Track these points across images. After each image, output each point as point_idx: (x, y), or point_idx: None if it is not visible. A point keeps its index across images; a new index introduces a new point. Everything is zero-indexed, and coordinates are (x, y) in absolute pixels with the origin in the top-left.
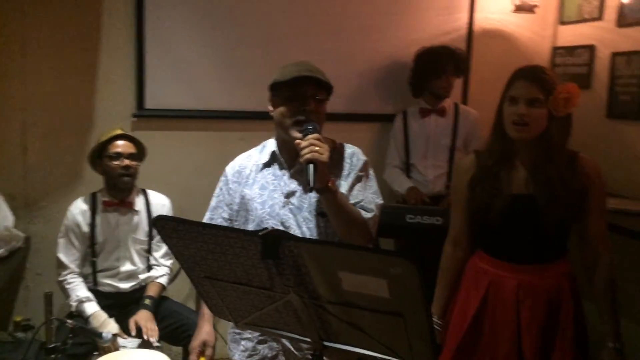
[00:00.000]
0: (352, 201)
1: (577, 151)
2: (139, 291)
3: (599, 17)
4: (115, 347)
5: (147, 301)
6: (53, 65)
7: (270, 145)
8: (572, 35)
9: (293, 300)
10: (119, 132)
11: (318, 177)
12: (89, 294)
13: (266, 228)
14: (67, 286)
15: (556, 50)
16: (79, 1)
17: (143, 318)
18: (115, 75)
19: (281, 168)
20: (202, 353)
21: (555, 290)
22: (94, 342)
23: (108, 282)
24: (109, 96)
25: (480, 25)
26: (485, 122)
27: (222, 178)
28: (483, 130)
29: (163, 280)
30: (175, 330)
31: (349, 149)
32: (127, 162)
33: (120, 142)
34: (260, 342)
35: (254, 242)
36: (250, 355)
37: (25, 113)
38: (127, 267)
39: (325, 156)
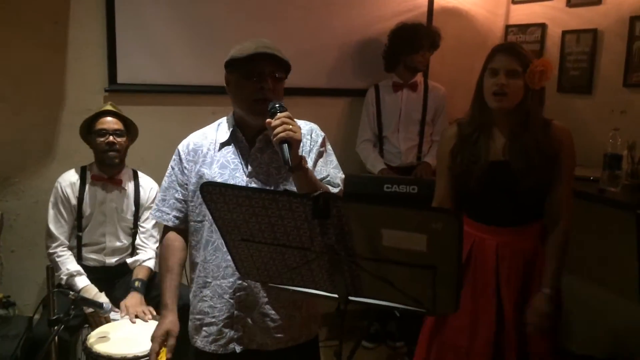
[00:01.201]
0: (318, 177)
1: (551, 119)
2: (125, 265)
3: None
4: (107, 320)
5: (137, 283)
6: (22, 39)
7: (225, 123)
8: (525, 14)
9: (331, 258)
10: (107, 108)
11: (293, 156)
12: (79, 268)
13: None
14: (57, 259)
15: (509, 28)
16: None
17: (134, 303)
18: (87, 49)
19: (242, 146)
20: (164, 343)
21: (532, 250)
22: (83, 314)
23: (93, 257)
24: (81, 70)
25: (439, 3)
26: (448, 96)
27: (175, 157)
28: (448, 104)
29: (151, 264)
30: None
31: (307, 125)
32: (111, 138)
33: (107, 119)
34: (225, 326)
35: (304, 204)
36: (215, 340)
37: None
38: (112, 243)
39: (298, 134)
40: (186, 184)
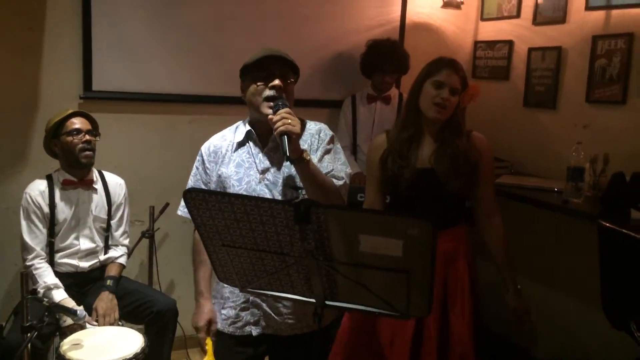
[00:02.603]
0: (323, 171)
1: (470, 130)
2: (98, 270)
3: (517, 15)
4: (81, 327)
5: (108, 282)
6: None
7: (243, 125)
8: (493, 31)
9: (309, 263)
10: (72, 110)
11: (292, 148)
12: (57, 281)
13: (297, 197)
14: (34, 272)
15: (478, 44)
16: None
17: (104, 300)
18: (62, 56)
19: (256, 146)
20: (208, 330)
21: (452, 251)
22: (57, 322)
23: (67, 262)
24: (55, 77)
25: (411, 18)
26: None
27: (198, 158)
28: None
29: (122, 260)
30: (136, 308)
31: (316, 125)
32: (87, 136)
33: (77, 119)
34: (243, 310)
35: (285, 210)
36: (233, 322)
37: None
38: (86, 245)
39: (297, 127)
40: (209, 183)
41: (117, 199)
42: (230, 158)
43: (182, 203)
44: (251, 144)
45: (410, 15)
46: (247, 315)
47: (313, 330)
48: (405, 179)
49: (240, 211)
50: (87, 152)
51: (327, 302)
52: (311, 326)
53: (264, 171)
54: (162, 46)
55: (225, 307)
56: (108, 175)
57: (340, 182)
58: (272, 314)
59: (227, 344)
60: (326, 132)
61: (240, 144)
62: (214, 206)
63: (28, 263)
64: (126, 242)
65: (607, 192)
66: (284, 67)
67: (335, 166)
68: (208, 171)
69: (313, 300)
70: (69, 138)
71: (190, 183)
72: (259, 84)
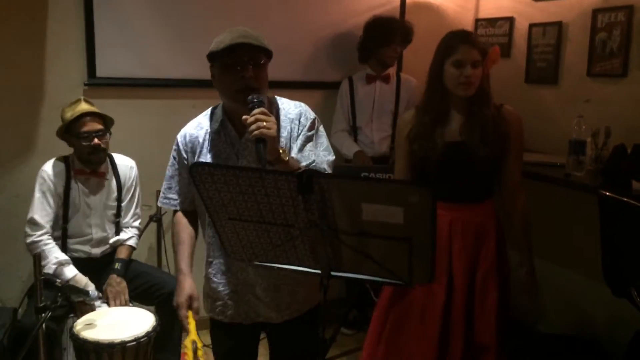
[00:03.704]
0: (304, 163)
1: (502, 103)
2: (109, 255)
3: None
4: (92, 309)
5: (117, 265)
6: (1, 34)
7: (218, 112)
8: (493, 8)
9: (313, 233)
10: (84, 107)
11: (269, 151)
12: (67, 257)
13: (300, 168)
14: (44, 247)
15: (479, 21)
16: None
17: (113, 284)
18: (65, 44)
19: (232, 135)
20: (189, 307)
21: (480, 225)
22: (70, 303)
23: (79, 248)
24: (60, 64)
25: None
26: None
27: (175, 147)
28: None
29: (132, 242)
30: (147, 290)
31: (296, 108)
32: (96, 140)
33: (87, 121)
34: (230, 299)
35: (288, 180)
36: (222, 312)
37: None
38: (98, 233)
39: (273, 130)
40: (186, 173)
41: (127, 181)
42: (208, 148)
43: (162, 194)
44: (227, 132)
45: None
46: (235, 305)
47: (302, 313)
48: (433, 160)
49: (245, 184)
50: (97, 155)
51: (333, 273)
52: (301, 310)
53: (242, 162)
54: (164, 31)
55: (213, 297)
56: (118, 158)
57: None
58: (260, 304)
59: (220, 332)
60: (307, 116)
61: (216, 132)
62: (219, 179)
63: (35, 239)
64: (136, 223)
65: (608, 165)
66: (253, 50)
67: (317, 154)
68: (185, 161)
69: (318, 272)
70: (79, 140)
71: (169, 173)
72: (228, 72)
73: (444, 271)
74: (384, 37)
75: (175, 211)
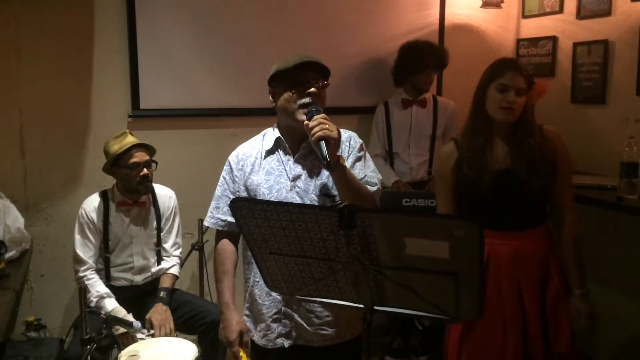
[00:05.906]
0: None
1: (541, 124)
2: (152, 283)
3: (560, 10)
4: (133, 340)
5: (162, 294)
6: (48, 69)
7: (271, 133)
8: (535, 27)
9: (356, 268)
10: (130, 140)
11: (331, 153)
12: (108, 290)
13: (340, 202)
14: (87, 282)
15: (520, 42)
16: (71, 5)
17: (159, 312)
18: (110, 77)
19: (285, 154)
20: (241, 343)
21: (544, 251)
22: (112, 335)
23: (122, 276)
24: (105, 98)
25: (450, 20)
26: (458, 111)
27: (226, 167)
28: (459, 119)
29: (175, 271)
30: (190, 319)
31: (346, 133)
32: (145, 170)
33: (136, 152)
34: (274, 321)
35: (330, 215)
36: (264, 335)
37: (23, 117)
38: (140, 262)
39: (335, 132)
40: (237, 192)
41: (166, 211)
42: (260, 166)
43: (209, 213)
44: (281, 151)
45: (449, 17)
46: (278, 327)
47: (344, 341)
48: (485, 182)
49: (285, 219)
50: (144, 185)
51: (376, 307)
52: (342, 337)
53: (294, 179)
54: (204, 63)
55: (257, 319)
56: (157, 188)
57: (374, 188)
58: (304, 325)
59: (259, 358)
60: (356, 139)
61: (270, 152)
62: (259, 214)
63: (81, 274)
64: (177, 252)
65: None
66: (317, 72)
67: (367, 173)
68: (237, 179)
69: (361, 306)
70: (128, 171)
71: (218, 193)
72: (293, 91)
73: (516, 304)
74: (418, 64)
75: (218, 236)
